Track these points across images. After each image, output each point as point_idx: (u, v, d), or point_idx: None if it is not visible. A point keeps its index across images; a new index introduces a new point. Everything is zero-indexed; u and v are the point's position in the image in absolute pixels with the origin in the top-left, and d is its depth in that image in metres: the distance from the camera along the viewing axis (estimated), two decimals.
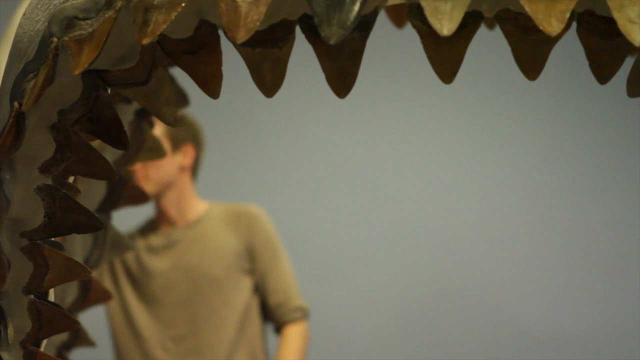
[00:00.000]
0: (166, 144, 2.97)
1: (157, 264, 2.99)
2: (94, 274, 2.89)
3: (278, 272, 3.06)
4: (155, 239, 3.02)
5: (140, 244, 3.02)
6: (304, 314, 3.07)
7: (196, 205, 3.05)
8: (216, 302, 2.97)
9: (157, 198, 3.02)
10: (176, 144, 2.99)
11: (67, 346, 1.45)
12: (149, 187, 2.96)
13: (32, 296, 0.98)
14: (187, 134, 3.02)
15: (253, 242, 3.02)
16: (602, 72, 0.91)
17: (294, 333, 3.03)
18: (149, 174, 2.95)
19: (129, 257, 3.00)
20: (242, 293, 3.00)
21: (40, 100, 0.89)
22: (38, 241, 0.96)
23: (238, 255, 3.00)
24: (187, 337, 2.97)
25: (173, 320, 2.98)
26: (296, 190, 4.61)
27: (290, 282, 3.09)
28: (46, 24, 0.89)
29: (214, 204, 3.08)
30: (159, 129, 2.95)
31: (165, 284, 2.98)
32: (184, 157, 3.01)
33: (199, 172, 3.12)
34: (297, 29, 0.88)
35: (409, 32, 1.18)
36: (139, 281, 3.00)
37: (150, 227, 3.06)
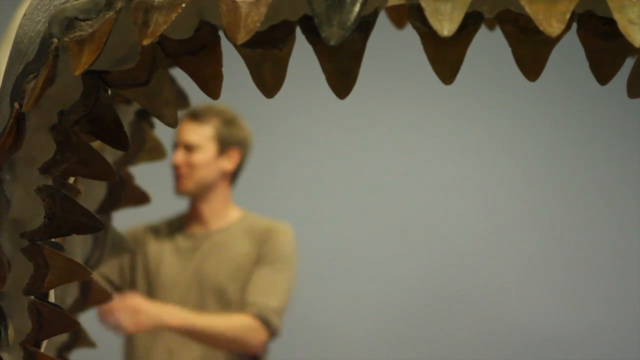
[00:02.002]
0: (213, 147, 2.94)
1: (173, 262, 2.96)
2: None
3: (268, 278, 2.93)
4: (182, 239, 2.99)
5: (165, 238, 2.99)
6: (267, 322, 2.85)
7: (229, 211, 3.00)
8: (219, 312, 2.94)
9: (193, 198, 2.99)
10: (223, 148, 2.95)
11: (68, 347, 1.45)
12: (187, 185, 2.94)
13: (32, 297, 0.98)
14: (236, 139, 2.97)
15: (262, 251, 2.97)
16: (603, 72, 0.91)
17: (242, 317, 2.83)
18: (193, 174, 2.93)
19: (151, 249, 2.97)
20: None
21: (40, 101, 0.89)
22: (38, 242, 0.97)
23: (251, 270, 2.96)
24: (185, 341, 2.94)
25: None
26: (296, 191, 4.61)
27: (273, 292, 2.90)
28: (46, 24, 0.89)
29: (248, 214, 3.04)
30: (209, 131, 2.94)
31: (174, 282, 2.96)
32: (228, 161, 2.97)
33: (238, 179, 3.08)
34: (298, 30, 0.88)
35: (409, 33, 1.18)
36: (152, 272, 2.98)
37: (179, 225, 3.03)
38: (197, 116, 2.94)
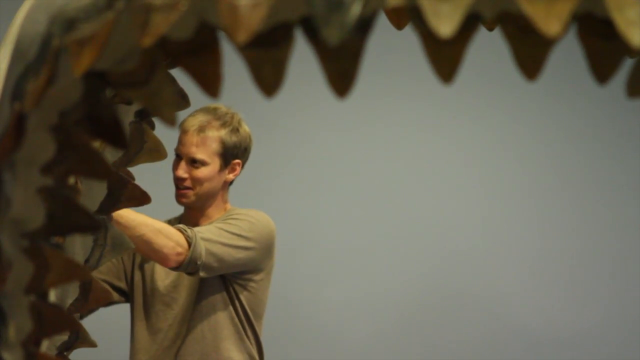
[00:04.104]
0: (218, 162, 2.90)
1: (159, 268, 2.96)
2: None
3: (214, 225, 2.88)
4: None
5: None
6: (193, 245, 2.73)
7: (219, 214, 2.99)
8: (205, 309, 2.93)
9: (190, 205, 2.97)
10: (227, 162, 2.92)
11: (68, 346, 1.45)
12: (189, 198, 2.91)
13: (33, 296, 0.99)
14: (239, 152, 2.94)
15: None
16: (602, 72, 0.91)
17: (173, 229, 2.73)
18: (196, 188, 2.89)
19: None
20: (232, 307, 2.95)
21: (41, 102, 0.90)
22: (39, 242, 0.97)
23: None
24: (173, 344, 2.94)
25: (160, 316, 2.95)
26: (297, 191, 4.61)
27: (211, 232, 2.81)
28: (47, 25, 0.89)
29: (233, 209, 3.01)
30: (215, 147, 2.90)
31: (165, 286, 2.96)
32: (231, 173, 2.96)
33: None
34: (298, 30, 0.88)
35: (410, 33, 1.18)
36: (147, 275, 2.98)
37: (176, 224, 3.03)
38: (203, 130, 2.90)
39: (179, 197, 2.94)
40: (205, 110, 2.93)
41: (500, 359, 4.63)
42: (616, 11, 0.77)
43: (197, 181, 2.90)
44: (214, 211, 2.98)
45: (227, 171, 2.95)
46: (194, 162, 2.89)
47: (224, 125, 2.92)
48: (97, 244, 1.44)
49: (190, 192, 2.91)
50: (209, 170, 2.90)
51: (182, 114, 2.94)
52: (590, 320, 4.72)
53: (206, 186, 2.92)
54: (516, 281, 4.70)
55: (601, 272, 4.77)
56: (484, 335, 4.64)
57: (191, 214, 2.99)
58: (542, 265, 4.73)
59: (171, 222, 3.05)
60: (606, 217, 4.81)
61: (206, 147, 2.89)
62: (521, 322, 4.68)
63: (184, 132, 2.91)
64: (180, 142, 2.92)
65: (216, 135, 2.90)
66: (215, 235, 2.82)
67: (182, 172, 2.89)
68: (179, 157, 2.92)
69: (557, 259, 4.75)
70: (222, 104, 2.98)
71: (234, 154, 2.94)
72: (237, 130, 2.95)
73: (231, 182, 3.02)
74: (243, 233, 2.88)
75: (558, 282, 4.74)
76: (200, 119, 2.90)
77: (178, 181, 2.91)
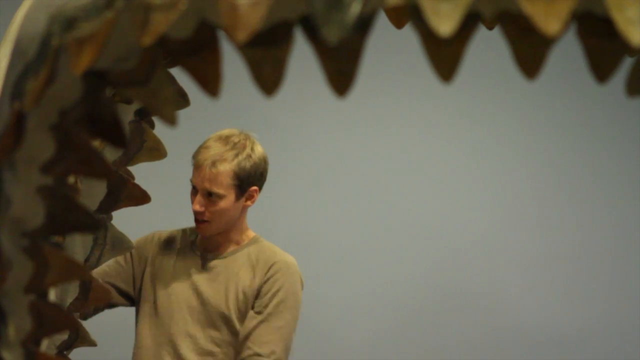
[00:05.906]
0: (234, 193, 2.88)
1: (179, 279, 2.93)
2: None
3: (268, 323, 2.92)
4: (190, 257, 2.95)
5: (176, 252, 2.97)
6: None
7: (241, 237, 2.99)
8: (216, 333, 2.93)
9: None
10: (243, 191, 2.90)
11: (68, 345, 1.45)
12: (210, 231, 2.90)
13: (32, 295, 0.99)
14: (255, 180, 2.93)
15: (263, 287, 2.92)
16: (602, 72, 0.91)
17: None
18: (215, 219, 2.88)
19: (162, 262, 2.96)
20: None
21: (40, 101, 0.90)
22: (39, 241, 0.97)
23: (248, 299, 2.92)
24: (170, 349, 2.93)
25: (166, 328, 2.93)
26: (297, 190, 4.61)
27: (274, 340, 2.90)
28: (47, 24, 0.89)
29: (258, 240, 3.00)
30: (229, 180, 2.90)
31: (179, 300, 2.93)
32: (249, 200, 2.94)
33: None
34: (297, 30, 0.89)
35: (410, 32, 1.18)
36: (158, 287, 2.95)
37: (192, 240, 3.00)
38: (215, 165, 2.85)
39: (199, 230, 2.93)
40: (218, 139, 2.90)
41: (500, 358, 4.63)
42: (616, 10, 0.78)
43: (214, 214, 2.88)
44: (234, 235, 2.97)
45: (244, 199, 2.93)
46: (209, 195, 2.87)
47: (237, 155, 2.88)
48: (97, 243, 1.44)
49: (208, 226, 2.89)
50: (226, 202, 2.88)
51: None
52: (591, 320, 4.73)
53: (224, 217, 2.90)
54: (516, 281, 4.70)
55: (601, 272, 4.77)
56: (484, 334, 4.64)
57: (211, 238, 2.97)
58: (542, 265, 4.73)
59: (186, 232, 3.03)
60: (606, 216, 4.81)
61: (220, 181, 2.87)
62: (521, 322, 4.68)
63: (197, 166, 2.88)
64: (195, 175, 2.89)
65: (229, 169, 2.86)
66: (281, 341, 2.92)
67: (198, 206, 2.87)
68: (195, 189, 2.91)
69: (557, 258, 4.75)
70: (235, 128, 2.96)
71: (249, 182, 2.90)
72: (251, 156, 2.91)
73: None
74: (294, 312, 2.99)
75: (558, 282, 4.74)
76: (213, 152, 2.86)
77: (196, 214, 2.90)
